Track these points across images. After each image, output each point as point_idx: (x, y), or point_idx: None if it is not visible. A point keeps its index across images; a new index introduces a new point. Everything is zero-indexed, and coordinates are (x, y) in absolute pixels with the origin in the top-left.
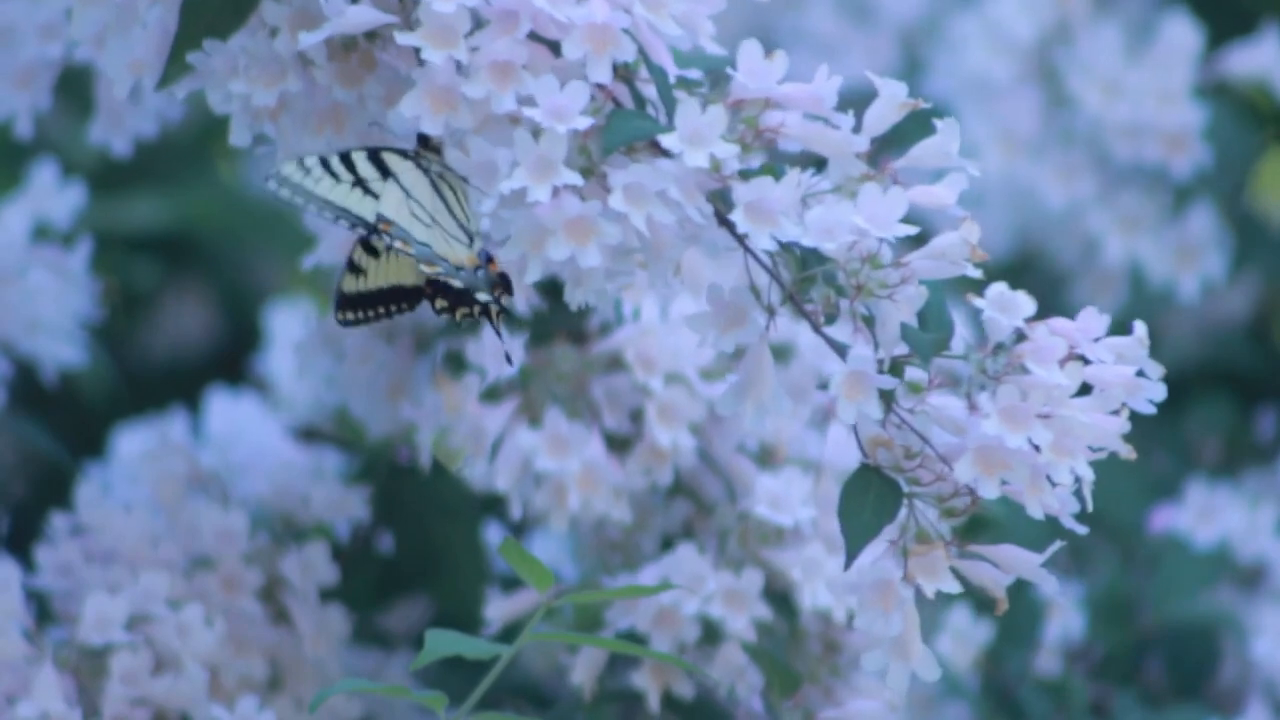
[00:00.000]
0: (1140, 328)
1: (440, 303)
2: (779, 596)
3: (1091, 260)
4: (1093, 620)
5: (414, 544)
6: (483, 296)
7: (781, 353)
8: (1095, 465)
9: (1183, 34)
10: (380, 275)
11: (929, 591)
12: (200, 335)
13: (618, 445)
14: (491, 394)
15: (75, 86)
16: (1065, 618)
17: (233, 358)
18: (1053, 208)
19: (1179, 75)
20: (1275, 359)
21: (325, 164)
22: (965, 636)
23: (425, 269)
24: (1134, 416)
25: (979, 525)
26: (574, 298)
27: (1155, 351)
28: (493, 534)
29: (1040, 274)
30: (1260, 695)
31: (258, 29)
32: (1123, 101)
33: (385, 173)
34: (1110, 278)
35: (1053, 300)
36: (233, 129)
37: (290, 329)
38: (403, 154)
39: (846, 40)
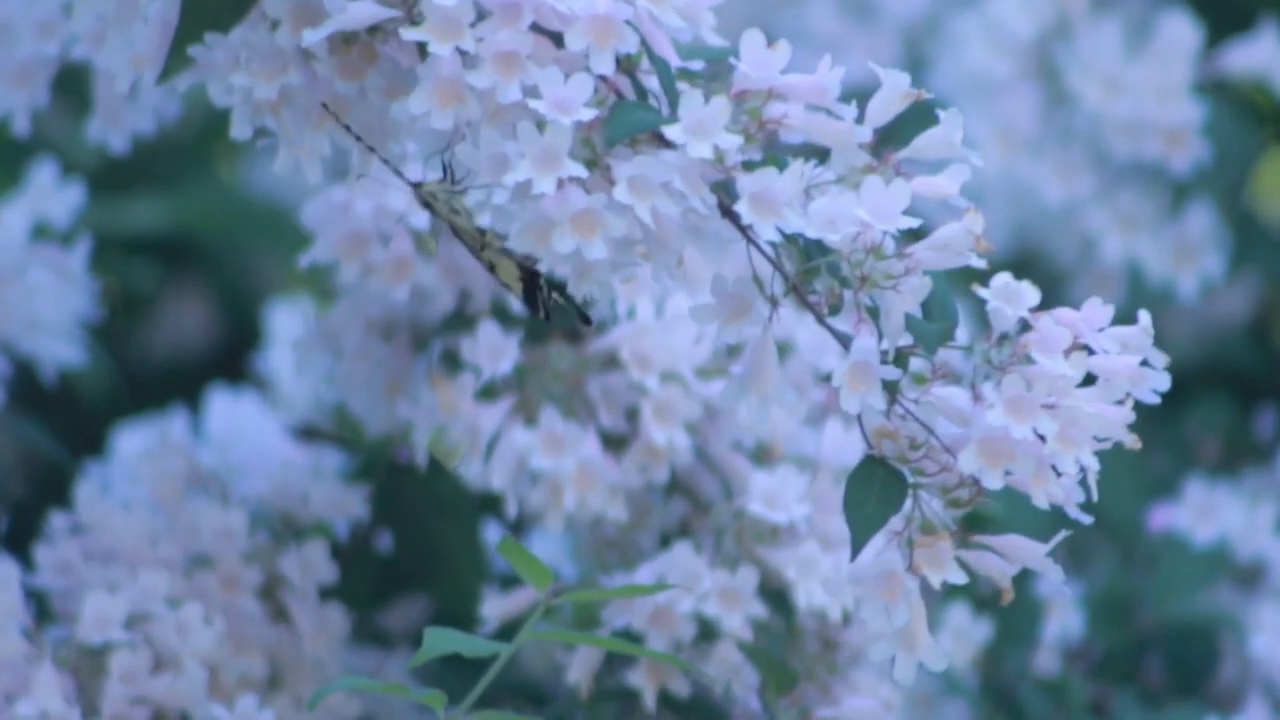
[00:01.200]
0: (1145, 317)
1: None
2: (776, 594)
3: (1090, 259)
4: (1092, 619)
5: (413, 543)
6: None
7: (780, 349)
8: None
9: (1182, 31)
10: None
11: (935, 582)
12: (200, 335)
13: (614, 444)
14: (488, 392)
15: (74, 85)
16: (1064, 616)
17: (232, 357)
18: (1051, 205)
19: (1178, 71)
20: (1275, 358)
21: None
22: (964, 635)
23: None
24: (1134, 415)
25: (977, 521)
26: (578, 290)
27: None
28: (492, 533)
29: (1039, 272)
30: (1259, 693)
31: (258, 22)
32: (1122, 98)
33: None
34: (1109, 276)
35: (1052, 299)
36: (234, 122)
37: (290, 328)
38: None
39: (848, 39)
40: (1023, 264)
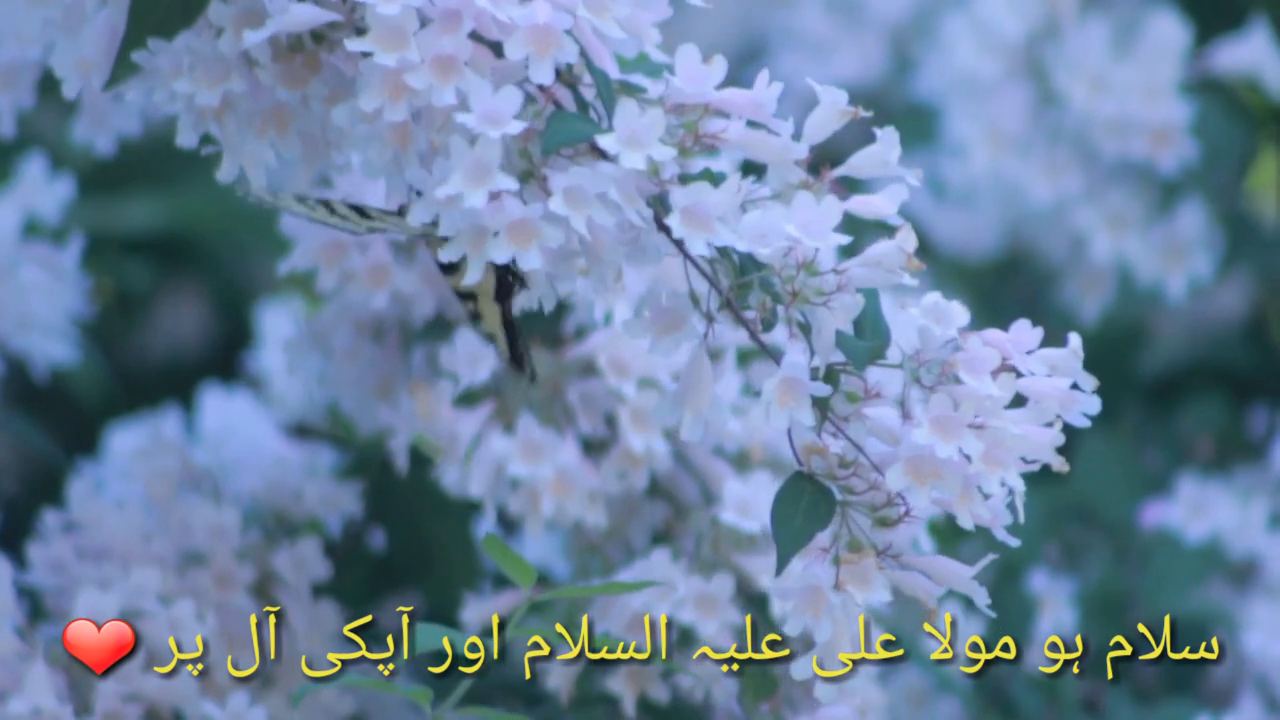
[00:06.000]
0: (1075, 340)
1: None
2: (758, 599)
3: (1080, 258)
4: (1085, 615)
5: (406, 540)
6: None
7: (757, 351)
8: (1089, 461)
9: (1169, 30)
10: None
11: (859, 601)
12: (195, 334)
13: (596, 448)
14: (469, 398)
15: None
16: (1057, 613)
17: (227, 356)
18: (1039, 205)
19: (1166, 71)
20: (1269, 357)
21: (300, 199)
22: (956, 632)
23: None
24: (1127, 413)
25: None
26: (519, 302)
27: (1148, 349)
28: (484, 530)
29: (1030, 271)
30: (1252, 690)
31: (204, 29)
32: (1109, 97)
33: (367, 217)
34: (1099, 275)
35: (1042, 298)
36: (179, 129)
37: (281, 327)
38: (385, 212)
39: (837, 39)
40: (1013, 263)
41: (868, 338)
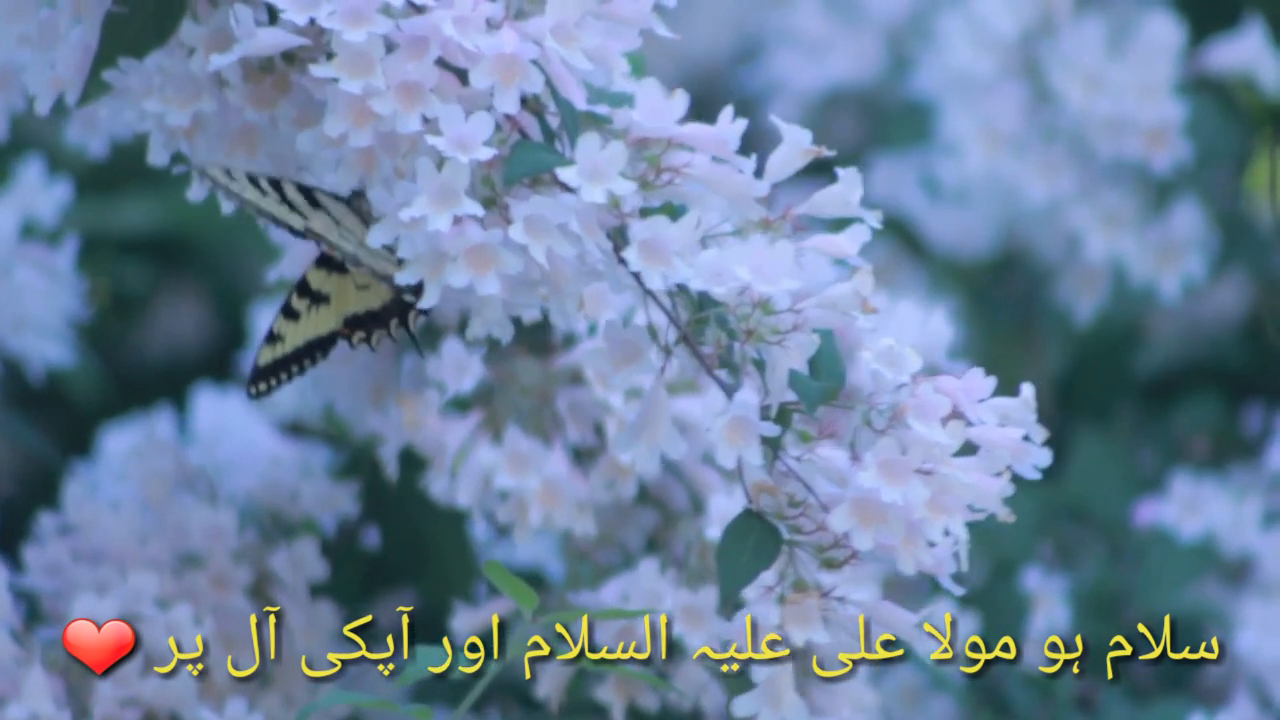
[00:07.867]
0: (1027, 390)
1: (358, 335)
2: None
3: (1075, 257)
4: (1079, 614)
5: (401, 539)
6: (408, 298)
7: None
8: (1083, 460)
9: (1164, 29)
10: (298, 335)
11: (799, 640)
12: (191, 335)
13: (587, 456)
14: (460, 405)
15: None
16: (1051, 611)
17: (224, 357)
18: (1033, 204)
19: (1160, 70)
20: (1264, 356)
21: (252, 179)
22: (955, 631)
23: (354, 267)
24: (1122, 412)
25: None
26: (474, 330)
27: (1144, 348)
28: (480, 529)
29: (1024, 271)
30: (1246, 689)
31: (176, 49)
32: (1104, 96)
33: (315, 204)
34: (1093, 275)
35: (1037, 297)
36: (150, 148)
37: None
38: (335, 196)
39: (833, 38)
40: (1008, 262)
41: (823, 378)
